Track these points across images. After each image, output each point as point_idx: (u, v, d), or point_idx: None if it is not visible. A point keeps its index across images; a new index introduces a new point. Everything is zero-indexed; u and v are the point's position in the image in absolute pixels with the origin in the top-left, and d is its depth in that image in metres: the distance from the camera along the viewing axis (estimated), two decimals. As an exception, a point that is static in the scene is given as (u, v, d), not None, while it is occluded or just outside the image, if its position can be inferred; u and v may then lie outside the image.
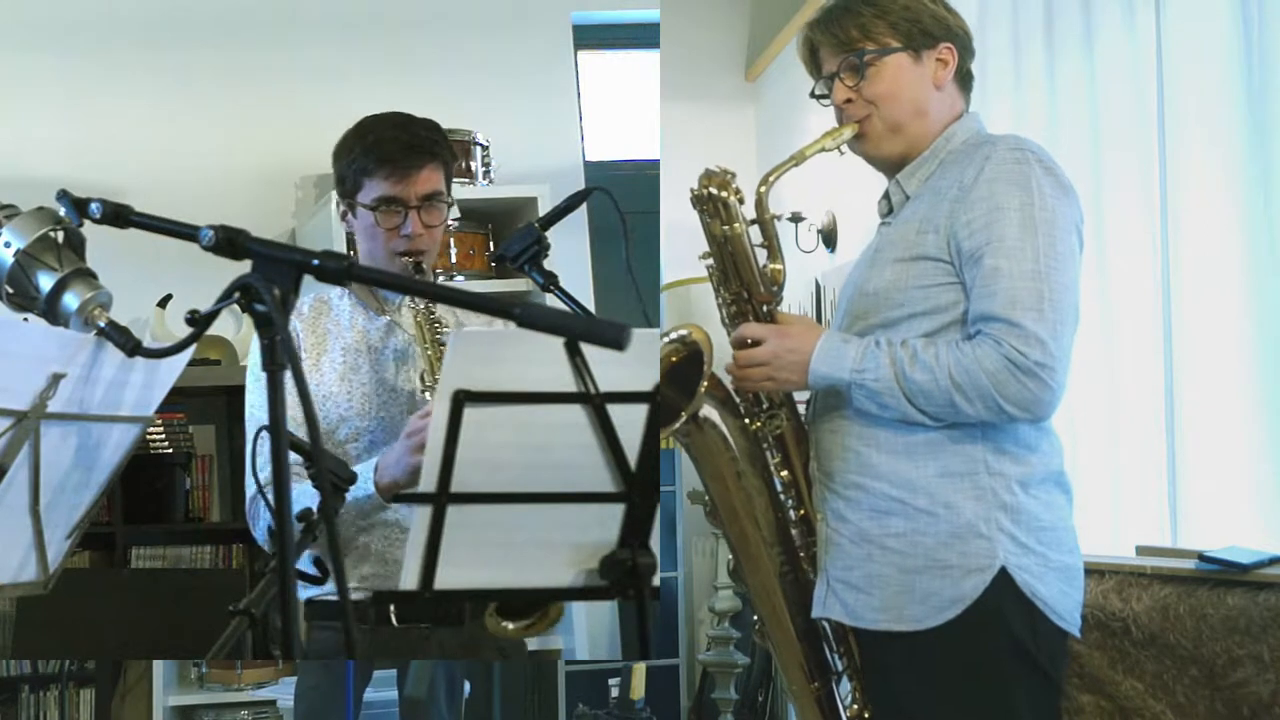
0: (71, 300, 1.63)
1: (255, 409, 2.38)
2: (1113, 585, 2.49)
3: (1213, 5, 2.54)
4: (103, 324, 1.61)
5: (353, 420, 2.34)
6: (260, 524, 2.29)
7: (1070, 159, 2.46)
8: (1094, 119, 2.88)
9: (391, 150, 2.30)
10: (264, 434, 1.41)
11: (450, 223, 3.64)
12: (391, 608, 2.31)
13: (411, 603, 2.31)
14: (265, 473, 2.25)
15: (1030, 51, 3.09)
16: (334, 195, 2.91)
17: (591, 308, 3.24)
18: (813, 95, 2.12)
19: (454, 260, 3.68)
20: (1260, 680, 2.18)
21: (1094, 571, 2.50)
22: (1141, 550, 2.60)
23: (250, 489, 2.31)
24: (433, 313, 2.34)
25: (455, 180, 3.67)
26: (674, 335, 2.08)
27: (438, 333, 2.32)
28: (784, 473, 2.09)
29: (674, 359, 2.05)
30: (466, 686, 3.05)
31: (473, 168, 3.77)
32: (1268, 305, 2.44)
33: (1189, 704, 2.32)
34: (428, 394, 2.26)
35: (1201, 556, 2.35)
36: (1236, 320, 2.50)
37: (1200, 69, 2.58)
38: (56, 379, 1.59)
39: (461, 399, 1.68)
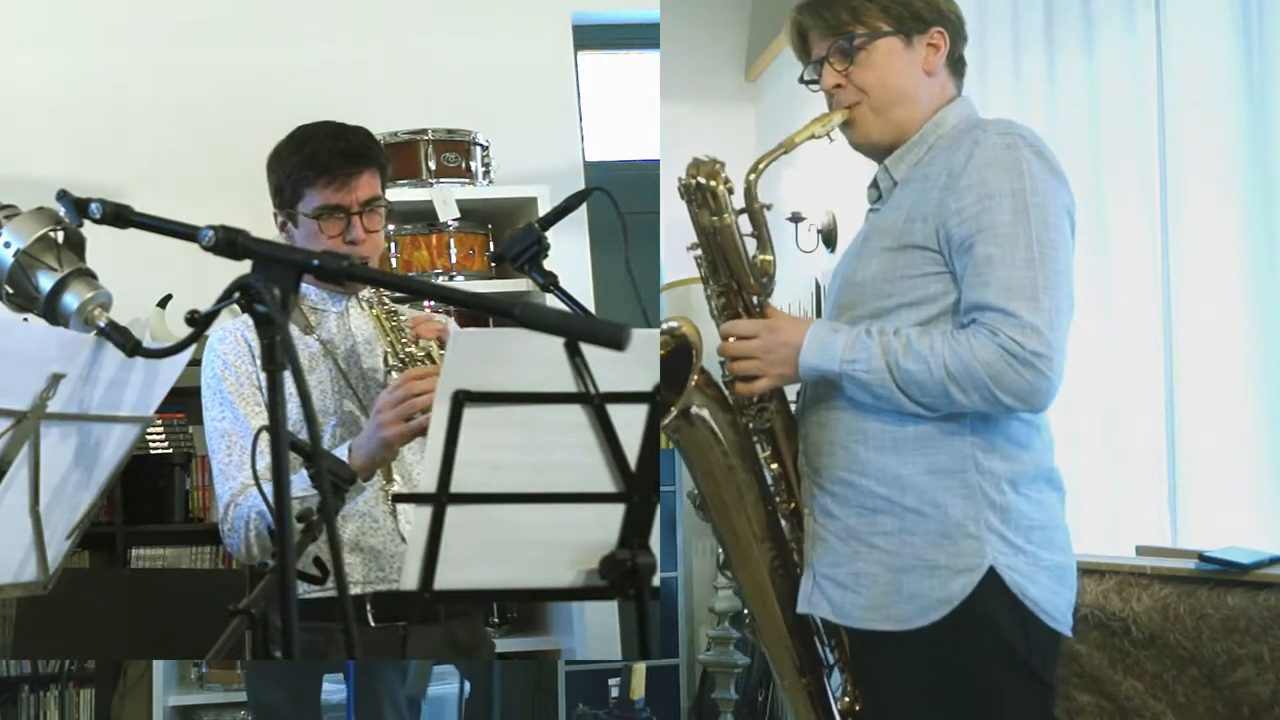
0: (71, 300, 1.63)
1: (218, 421, 2.34)
2: (1113, 585, 2.49)
3: (1213, 5, 2.55)
4: (103, 324, 1.60)
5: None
6: (238, 535, 2.26)
7: (1070, 159, 2.45)
8: (1094, 119, 2.88)
9: (329, 159, 2.34)
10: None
11: (450, 222, 3.66)
12: (368, 607, 2.31)
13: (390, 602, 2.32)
14: (244, 475, 2.27)
15: (1030, 51, 3.09)
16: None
17: (591, 308, 3.24)
18: (802, 80, 2.09)
19: (454, 260, 3.67)
20: (1260, 680, 2.18)
21: (1094, 571, 2.51)
22: (1141, 550, 2.61)
23: (223, 499, 2.30)
24: (385, 303, 2.39)
25: (456, 180, 3.72)
26: (662, 327, 2.05)
27: (395, 319, 2.37)
28: (774, 466, 2.06)
29: (662, 352, 2.02)
30: (467, 686, 3.05)
31: (473, 168, 3.76)
32: (1268, 305, 2.44)
33: (1189, 704, 2.32)
34: (393, 373, 2.30)
35: (1201, 556, 2.35)
36: (1236, 320, 2.51)
37: (1200, 69, 2.59)
38: (56, 379, 1.59)
39: (461, 399, 1.68)
